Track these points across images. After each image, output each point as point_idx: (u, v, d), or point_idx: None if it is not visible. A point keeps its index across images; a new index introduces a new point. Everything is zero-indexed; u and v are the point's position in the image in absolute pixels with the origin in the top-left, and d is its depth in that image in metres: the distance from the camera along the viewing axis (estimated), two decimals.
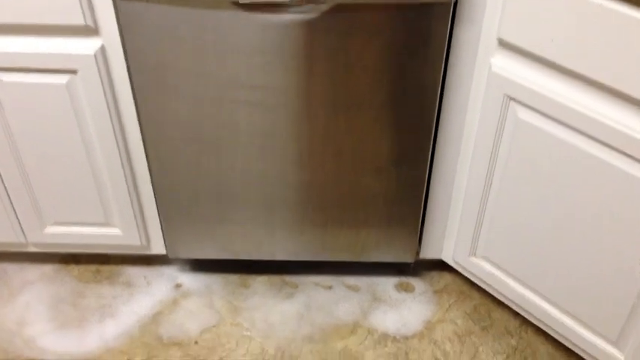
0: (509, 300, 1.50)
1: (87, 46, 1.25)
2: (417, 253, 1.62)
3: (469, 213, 1.46)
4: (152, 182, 1.45)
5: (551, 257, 1.33)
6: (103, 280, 1.67)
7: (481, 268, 1.51)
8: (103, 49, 1.26)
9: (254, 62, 1.25)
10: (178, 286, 1.67)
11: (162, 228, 1.55)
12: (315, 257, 1.61)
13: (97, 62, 1.26)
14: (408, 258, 1.60)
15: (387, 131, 1.36)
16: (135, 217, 1.52)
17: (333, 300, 1.64)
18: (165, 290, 1.65)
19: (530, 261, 1.38)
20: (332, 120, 1.34)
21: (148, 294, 1.64)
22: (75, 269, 1.70)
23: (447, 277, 1.69)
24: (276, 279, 1.69)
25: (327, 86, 1.29)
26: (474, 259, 1.52)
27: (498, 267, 1.47)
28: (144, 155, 1.42)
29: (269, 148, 1.38)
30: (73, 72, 1.28)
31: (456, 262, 1.58)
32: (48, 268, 1.70)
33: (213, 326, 1.57)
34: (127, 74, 1.29)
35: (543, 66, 1.15)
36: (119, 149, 1.39)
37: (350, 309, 1.62)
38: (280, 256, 1.61)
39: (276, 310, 1.61)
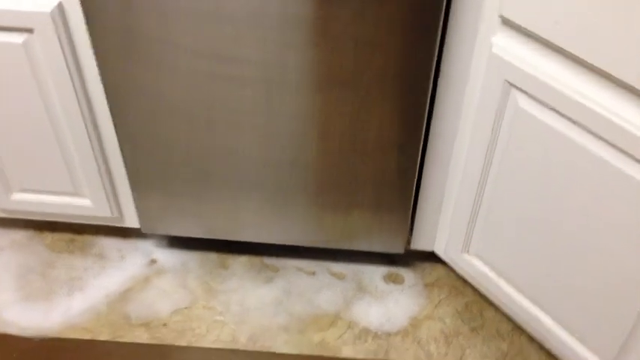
0: (502, 303, 1.37)
1: (43, 3, 1.13)
2: (408, 243, 1.50)
3: (463, 207, 1.32)
4: (121, 153, 1.34)
5: (548, 261, 1.20)
6: (75, 251, 1.59)
7: (473, 267, 1.38)
8: (60, 7, 1.14)
9: (230, 31, 1.12)
10: (153, 262, 1.57)
11: (134, 201, 1.44)
12: (297, 242, 1.50)
13: (54, 21, 1.14)
14: (397, 248, 1.48)
15: (376, 112, 1.23)
16: (104, 188, 1.42)
17: (315, 287, 1.53)
18: (138, 266, 1.56)
19: (526, 264, 1.25)
20: (316, 98, 1.21)
21: (120, 268, 1.55)
22: (48, 237, 1.62)
23: (439, 270, 1.57)
24: (256, 261, 1.59)
25: (310, 61, 1.15)
26: (466, 256, 1.39)
27: (492, 267, 1.35)
28: (112, 124, 1.31)
29: (247, 125, 1.26)
30: (30, 31, 1.17)
31: (448, 257, 1.46)
32: (20, 235, 1.62)
33: (185, 308, 1.48)
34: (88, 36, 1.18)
35: (549, 51, 1.00)
36: (83, 116, 1.28)
37: (332, 298, 1.51)
38: (259, 238, 1.50)
39: (253, 295, 1.51)
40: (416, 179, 1.35)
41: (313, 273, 1.56)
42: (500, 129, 1.15)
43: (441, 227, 1.44)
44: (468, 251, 1.39)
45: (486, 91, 1.13)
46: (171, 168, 1.36)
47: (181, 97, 1.23)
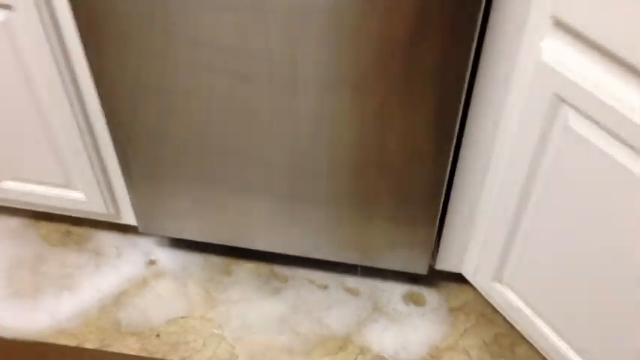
0: (535, 341, 1.20)
1: None
2: (432, 262, 1.33)
3: (497, 231, 1.14)
4: (113, 145, 1.20)
5: (592, 304, 1.01)
6: (70, 244, 1.47)
7: (506, 298, 1.21)
8: None
9: (226, 19, 0.96)
10: (152, 262, 1.44)
11: (130, 199, 1.31)
12: (307, 253, 1.34)
13: None
14: (419, 268, 1.31)
15: (396, 120, 1.05)
16: (98, 182, 1.29)
17: (327, 304, 1.38)
18: (136, 266, 1.43)
19: (566, 303, 1.07)
20: (327, 99, 1.04)
21: (116, 267, 1.43)
22: (44, 227, 1.50)
23: (467, 293, 1.39)
24: (264, 269, 1.44)
25: (320, 56, 0.98)
26: (498, 286, 1.22)
27: (527, 301, 1.17)
28: (102, 114, 1.17)
29: (250, 124, 1.10)
30: (8, 7, 1.03)
31: (478, 284, 1.28)
32: (15, 222, 1.51)
33: (182, 317, 1.35)
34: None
35: (611, 64, 0.81)
36: (71, 103, 1.15)
37: (344, 318, 1.35)
38: (266, 247, 1.35)
39: (257, 307, 1.37)
40: (444, 193, 1.17)
41: (325, 287, 1.41)
42: (546, 150, 0.96)
43: (471, 248, 1.26)
44: (500, 281, 1.21)
45: (531, 104, 0.94)
46: (169, 165, 1.21)
47: (177, 89, 1.07)
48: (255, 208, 1.27)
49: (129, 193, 1.29)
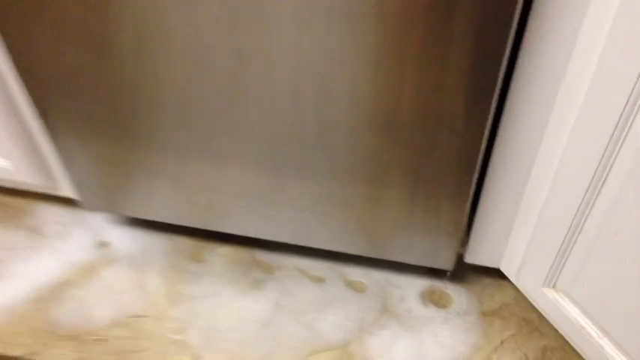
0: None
1: None
2: (460, 255, 1.01)
3: (553, 226, 0.81)
4: (33, 104, 0.89)
5: None
6: (6, 220, 1.18)
7: (559, 307, 0.88)
8: None
9: None
10: (103, 245, 1.15)
11: (64, 168, 1.00)
12: (296, 241, 1.03)
13: None
14: (444, 263, 0.99)
15: (413, 67, 0.72)
16: (25, 146, 0.99)
17: (321, 302, 1.07)
18: (82, 249, 1.14)
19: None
20: (323, 34, 0.71)
21: (58, 251, 1.13)
22: None
23: (506, 292, 1.07)
24: (244, 255, 1.13)
25: None
26: (550, 293, 0.89)
27: (587, 314, 0.84)
28: (8, 57, 0.86)
29: (212, 67, 0.78)
30: None
31: (523, 286, 0.96)
32: None
33: (135, 317, 1.05)
34: None
35: None
36: None
37: (342, 321, 1.04)
38: (242, 231, 1.04)
39: (231, 305, 1.06)
40: (477, 172, 0.85)
41: (321, 280, 1.10)
42: (630, 126, 0.62)
43: (514, 241, 0.93)
44: (553, 286, 0.88)
45: (612, 57, 0.60)
46: (104, 126, 0.90)
47: (99, 21, 0.75)
48: (230, 183, 0.95)
49: (60, 161, 0.98)
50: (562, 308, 0.87)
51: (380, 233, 0.98)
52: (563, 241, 0.84)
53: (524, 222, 0.89)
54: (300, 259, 1.12)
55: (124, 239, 1.15)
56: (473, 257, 1.00)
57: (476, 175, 0.85)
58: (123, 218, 1.18)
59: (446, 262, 0.98)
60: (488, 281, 1.08)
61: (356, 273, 1.10)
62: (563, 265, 0.84)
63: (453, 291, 1.07)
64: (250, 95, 0.81)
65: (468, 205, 0.90)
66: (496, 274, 1.05)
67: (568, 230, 0.82)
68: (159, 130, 0.89)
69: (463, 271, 1.09)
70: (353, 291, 1.08)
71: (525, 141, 0.80)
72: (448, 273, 1.08)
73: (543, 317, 1.02)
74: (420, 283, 1.08)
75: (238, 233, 1.05)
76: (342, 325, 1.03)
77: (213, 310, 1.05)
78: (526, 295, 0.97)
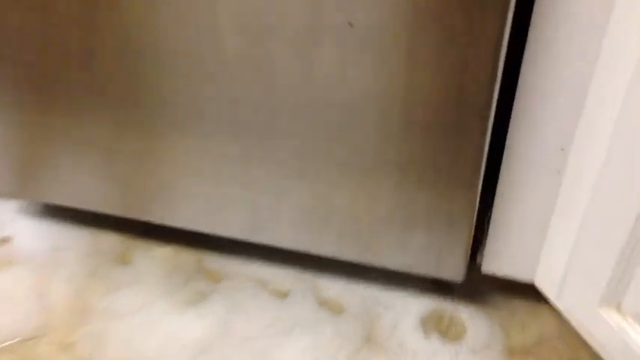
0: None
1: None
2: (475, 264, 0.70)
3: (610, 220, 0.51)
4: None
5: None
6: None
7: (625, 339, 0.57)
8: None
9: None
10: (4, 240, 0.87)
11: None
12: (254, 237, 0.74)
13: None
14: (449, 271, 0.69)
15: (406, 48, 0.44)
16: None
17: (281, 324, 0.77)
18: None
19: None
20: None
21: None
22: None
23: (545, 318, 0.76)
24: (188, 258, 0.85)
25: None
26: (611, 315, 0.58)
27: None
28: None
29: (151, 20, 0.51)
30: None
31: (567, 309, 0.65)
32: None
33: (26, 340, 0.77)
34: None
35: None
36: None
37: (308, 352, 0.74)
38: (184, 223, 0.76)
39: (160, 326, 0.77)
40: (485, 156, 0.56)
41: (285, 294, 0.80)
42: None
43: (553, 242, 0.63)
44: (616, 306, 0.57)
45: None
46: (14, 84, 0.64)
47: None
48: (177, 161, 0.68)
49: None
50: (628, 338, 0.56)
51: (368, 230, 0.68)
52: (629, 241, 0.54)
53: (567, 214, 0.59)
54: (262, 266, 0.83)
55: (31, 234, 0.87)
56: (493, 266, 0.69)
57: (481, 167, 0.56)
58: (32, 206, 0.90)
59: (453, 270, 0.68)
60: (517, 303, 0.77)
61: (333, 287, 0.80)
62: (631, 277, 0.54)
63: (468, 316, 0.76)
64: (193, 40, 0.54)
65: (476, 201, 0.61)
66: (530, 292, 0.74)
67: (636, 224, 0.52)
68: (87, 93, 0.63)
69: (482, 287, 0.79)
70: (327, 311, 0.78)
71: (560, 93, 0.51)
72: (457, 287, 0.77)
73: (598, 357, 0.70)
74: (420, 304, 0.78)
75: (182, 226, 0.77)
76: (308, 358, 0.73)
77: (136, 331, 0.77)
78: (573, 322, 0.66)
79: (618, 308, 0.58)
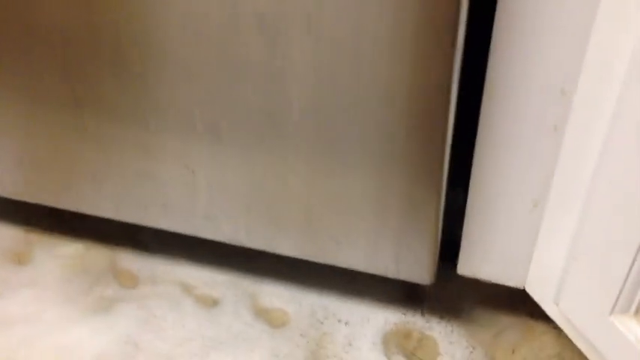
0: None
1: None
2: (449, 263, 0.54)
3: (618, 207, 0.35)
4: None
5: None
6: None
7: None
8: None
9: None
10: None
11: None
12: (182, 229, 0.59)
13: None
14: (413, 273, 0.53)
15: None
16: None
17: (206, 339, 0.60)
18: None
19: None
20: None
21: None
22: None
23: (539, 335, 0.59)
24: (100, 257, 0.69)
25: None
26: (624, 322, 0.42)
27: None
28: None
29: None
30: None
31: (568, 318, 0.49)
32: None
33: None
34: None
35: None
36: None
37: None
38: (100, 210, 0.61)
39: (52, 339, 0.61)
40: (450, 131, 0.41)
41: (215, 302, 0.64)
42: None
43: (546, 242, 0.47)
44: (635, 311, 0.41)
45: None
46: None
47: None
48: (97, 135, 0.53)
49: None
50: None
51: (316, 220, 0.53)
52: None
53: (564, 197, 0.43)
54: (189, 267, 0.67)
55: None
56: (471, 266, 0.53)
57: (445, 149, 0.41)
58: None
59: (420, 271, 0.51)
60: (505, 319, 0.60)
61: (277, 294, 0.64)
62: None
63: (442, 334, 0.60)
64: None
65: (442, 189, 0.45)
66: (521, 304, 0.58)
67: None
68: None
69: (461, 300, 0.62)
70: (265, 324, 0.61)
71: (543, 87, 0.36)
72: (430, 299, 0.61)
73: None
74: (383, 318, 0.61)
75: (97, 214, 0.61)
76: None
77: (18, 345, 0.60)
78: (575, 336, 0.49)
79: (637, 315, 0.42)
